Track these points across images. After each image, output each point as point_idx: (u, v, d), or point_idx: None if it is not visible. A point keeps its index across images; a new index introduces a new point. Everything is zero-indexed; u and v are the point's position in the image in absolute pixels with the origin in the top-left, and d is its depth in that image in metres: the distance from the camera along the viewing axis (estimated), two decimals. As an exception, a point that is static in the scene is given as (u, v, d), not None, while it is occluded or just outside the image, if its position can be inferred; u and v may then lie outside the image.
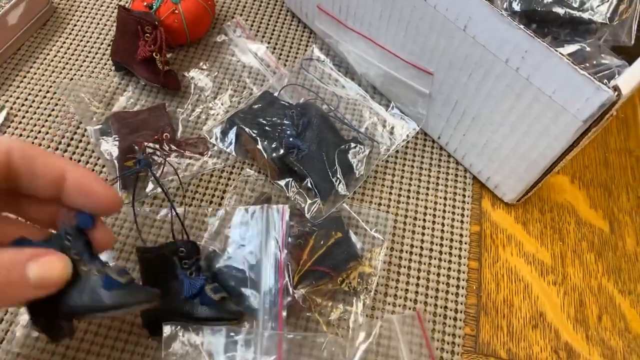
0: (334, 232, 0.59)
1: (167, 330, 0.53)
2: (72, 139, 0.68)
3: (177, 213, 0.55)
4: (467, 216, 0.65)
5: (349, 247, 0.59)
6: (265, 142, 0.64)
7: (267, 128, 0.66)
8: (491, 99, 0.57)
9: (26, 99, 0.71)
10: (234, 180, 0.66)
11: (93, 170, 0.66)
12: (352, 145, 0.65)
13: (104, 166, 0.66)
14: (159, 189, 0.63)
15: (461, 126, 0.63)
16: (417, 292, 0.59)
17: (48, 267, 0.38)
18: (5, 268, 0.36)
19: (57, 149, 0.67)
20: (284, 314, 0.53)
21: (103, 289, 0.42)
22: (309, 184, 0.61)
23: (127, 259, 0.59)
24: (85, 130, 0.68)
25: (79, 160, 0.66)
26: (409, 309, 0.58)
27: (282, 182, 0.63)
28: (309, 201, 0.61)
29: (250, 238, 0.57)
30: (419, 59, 0.62)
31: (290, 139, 0.64)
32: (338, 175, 0.63)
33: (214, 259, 0.57)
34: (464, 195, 0.66)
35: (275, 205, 0.56)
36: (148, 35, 0.67)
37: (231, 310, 0.53)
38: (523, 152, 0.58)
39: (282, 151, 0.63)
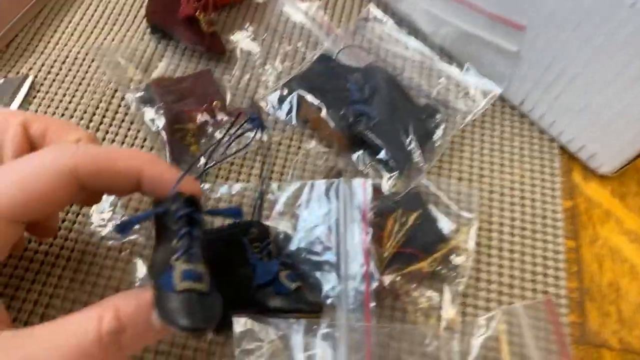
0: (415, 210, 0.52)
1: (238, 323, 0.45)
2: (107, 109, 0.60)
3: (261, 191, 0.46)
4: (558, 190, 0.57)
5: (435, 227, 0.52)
6: (331, 110, 0.56)
7: (330, 94, 0.58)
8: (601, 55, 0.49)
9: (52, 67, 0.63)
10: (294, 154, 0.58)
11: (134, 142, 0.58)
12: (428, 111, 0.58)
13: (145, 139, 0.58)
14: (214, 164, 0.56)
15: (554, 89, 0.56)
16: (512, 276, 0.52)
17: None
18: (134, 321, 0.35)
19: (90, 120, 0.59)
20: (372, 304, 0.46)
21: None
22: (384, 156, 0.54)
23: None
24: (122, 98, 0.60)
25: (117, 133, 0.59)
26: (505, 295, 0.51)
27: (354, 156, 0.55)
28: (385, 175, 0.54)
29: (325, 217, 0.50)
30: (507, 11, 0.54)
31: (358, 106, 0.56)
32: (414, 146, 0.55)
33: (283, 242, 0.50)
34: (551, 167, 0.59)
35: (356, 178, 0.49)
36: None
37: (311, 301, 0.46)
38: (636, 115, 0.50)
39: (350, 119, 0.56)
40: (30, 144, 0.43)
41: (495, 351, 0.44)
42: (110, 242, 0.52)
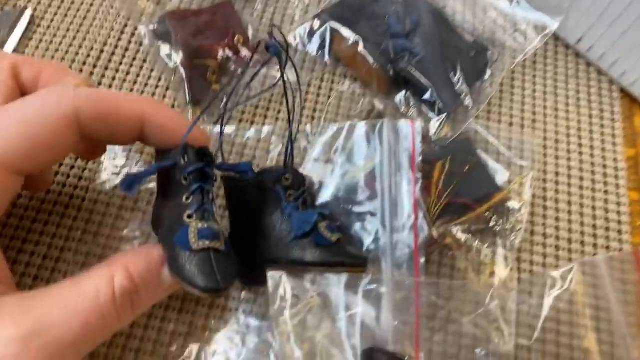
0: (465, 157, 0.47)
1: (273, 279, 0.41)
2: (116, 46, 0.54)
3: (290, 133, 0.41)
4: (619, 137, 0.52)
5: (487, 175, 0.46)
6: (370, 43, 0.50)
7: (367, 28, 0.52)
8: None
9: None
10: (325, 96, 0.52)
11: (148, 82, 0.52)
12: (477, 48, 0.52)
13: (160, 78, 0.52)
14: (237, 106, 0.50)
15: (622, 22, 0.49)
16: (570, 230, 0.47)
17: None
18: (145, 280, 0.34)
19: (98, 58, 0.53)
20: (422, 259, 0.41)
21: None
22: (430, 97, 0.48)
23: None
24: (134, 33, 0.54)
25: (128, 72, 0.53)
26: (563, 250, 0.46)
27: (395, 97, 0.49)
28: (433, 118, 0.48)
29: (367, 162, 0.44)
30: None
31: (399, 40, 0.50)
32: (463, 86, 0.49)
33: (319, 191, 0.45)
34: (612, 112, 0.53)
35: (403, 120, 0.43)
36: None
37: (354, 254, 0.41)
38: None
39: (392, 55, 0.49)
40: (20, 90, 0.38)
41: (572, 311, 0.39)
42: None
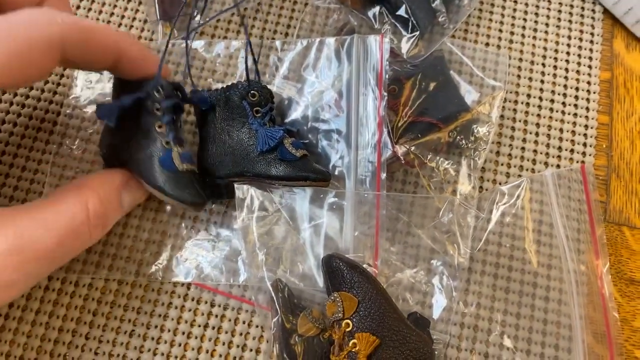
0: (436, 75, 0.46)
1: (240, 191, 0.43)
2: (86, -44, 0.52)
3: (250, 45, 0.41)
4: (596, 59, 0.51)
5: (457, 95, 0.47)
6: (345, -43, 0.48)
7: (343, -61, 0.50)
8: None
9: None
10: (300, 11, 0.51)
11: (135, 16, 0.51)
12: (457, -37, 0.50)
13: (139, 2, 0.51)
14: (209, 19, 0.49)
15: None
16: (535, 151, 0.48)
17: (139, 194, 0.41)
18: (112, 202, 0.38)
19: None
20: (383, 175, 0.43)
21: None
22: (404, 13, 0.47)
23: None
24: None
25: (99, -15, 0.51)
26: (527, 170, 0.47)
27: (369, 12, 0.48)
28: (405, 36, 0.47)
29: (336, 80, 0.44)
30: None
31: (376, -47, 0.48)
32: (438, 2, 0.48)
33: (288, 108, 0.46)
34: (591, 34, 0.52)
35: (372, 35, 0.43)
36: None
37: (318, 169, 0.42)
38: None
39: (367, -31, 0.48)
40: None
41: (515, 224, 0.41)
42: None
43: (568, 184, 0.38)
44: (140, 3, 0.51)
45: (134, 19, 0.51)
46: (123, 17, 0.51)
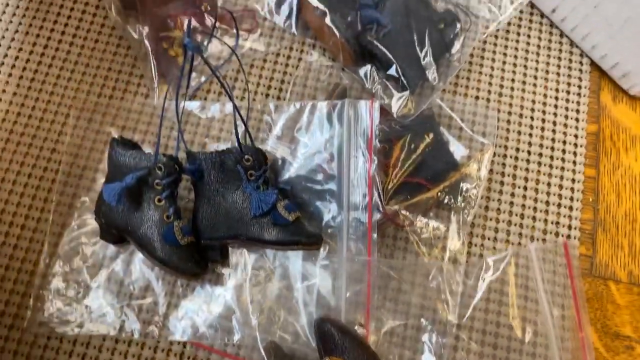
0: (426, 133, 0.48)
1: (234, 253, 0.44)
2: (83, 11, 0.53)
3: (239, 112, 0.42)
4: (584, 112, 0.52)
5: (446, 153, 0.48)
6: (337, 16, 0.49)
7: (336, -4, 0.51)
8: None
9: (16, -43, 0.55)
10: (294, 67, 0.52)
11: (115, 52, 0.52)
12: (447, 19, 0.51)
13: (129, 47, 0.52)
14: (203, 79, 0.50)
15: (594, -5, 0.48)
16: (524, 206, 0.49)
17: None
18: None
19: (66, 25, 0.53)
20: (375, 235, 0.44)
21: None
22: (395, 72, 0.48)
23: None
24: (100, 0, 0.53)
25: (96, 40, 0.52)
26: (515, 225, 0.48)
27: (361, 71, 0.49)
28: (395, 95, 0.48)
29: (328, 142, 0.45)
30: None
31: (368, 11, 0.49)
32: (429, 60, 0.49)
33: (281, 168, 0.47)
34: (579, 87, 0.53)
35: (363, 100, 0.44)
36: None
37: (310, 233, 0.43)
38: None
39: (359, 27, 0.49)
40: None
41: (501, 292, 0.42)
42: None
43: (552, 259, 0.40)
44: (136, 58, 0.52)
45: (131, 73, 0.52)
46: (120, 71, 0.52)
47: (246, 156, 0.43)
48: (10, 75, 0.51)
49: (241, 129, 0.45)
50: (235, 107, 0.41)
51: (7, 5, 0.53)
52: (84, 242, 0.46)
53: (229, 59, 0.49)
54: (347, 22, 0.49)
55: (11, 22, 0.53)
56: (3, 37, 0.52)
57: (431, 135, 0.48)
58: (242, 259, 0.44)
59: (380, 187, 0.44)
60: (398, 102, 0.48)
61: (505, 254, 0.42)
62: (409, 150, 0.46)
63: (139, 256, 0.45)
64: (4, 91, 0.51)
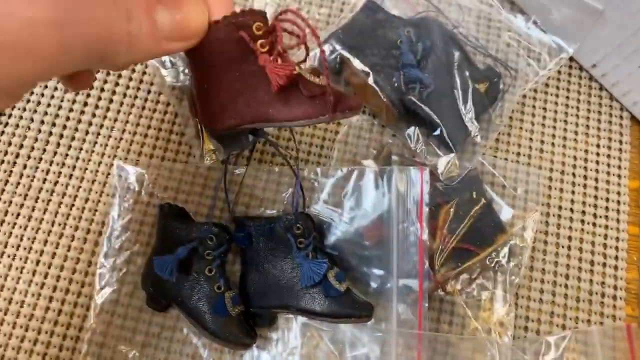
0: (474, 196, 0.47)
1: (283, 324, 0.44)
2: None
3: (299, 181, 0.42)
4: (625, 168, 0.52)
5: (493, 216, 0.48)
6: (381, 76, 0.49)
7: (378, 55, 0.50)
8: None
9: None
10: (333, 125, 0.52)
11: (155, 110, 0.52)
12: (489, 76, 0.51)
13: (168, 103, 0.52)
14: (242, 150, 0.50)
15: (637, 56, 0.48)
16: (568, 266, 0.49)
17: (185, 14, 0.31)
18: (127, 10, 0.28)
19: (102, 89, 0.53)
20: (426, 305, 0.44)
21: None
22: (440, 133, 0.48)
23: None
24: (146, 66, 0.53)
25: (135, 96, 0.52)
26: (560, 286, 0.48)
27: (405, 132, 0.49)
28: (442, 156, 0.48)
29: (376, 207, 0.45)
30: (599, -40, 0.45)
31: (410, 70, 0.49)
32: (472, 119, 0.49)
33: (328, 231, 0.46)
34: (620, 142, 0.53)
35: (412, 167, 0.44)
36: (261, 36, 0.35)
37: (361, 305, 0.43)
38: None
39: (403, 88, 0.49)
40: None
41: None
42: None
43: (613, 339, 0.39)
44: (176, 115, 0.52)
45: (171, 131, 0.52)
46: (160, 130, 0.52)
47: (297, 224, 0.42)
48: (50, 133, 0.51)
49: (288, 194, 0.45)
50: (296, 174, 0.41)
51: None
52: (129, 307, 0.45)
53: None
54: (390, 83, 0.49)
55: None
56: (43, 94, 0.52)
57: (482, 200, 0.47)
58: (291, 323, 0.44)
59: (429, 253, 0.44)
60: (444, 164, 0.48)
61: (565, 334, 0.42)
62: (457, 215, 0.46)
63: (185, 322, 0.45)
64: (44, 150, 0.51)
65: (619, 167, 0.52)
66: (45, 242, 0.48)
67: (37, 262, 0.47)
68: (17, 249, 0.47)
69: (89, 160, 0.50)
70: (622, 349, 0.39)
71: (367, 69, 0.49)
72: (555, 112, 0.54)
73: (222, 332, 0.41)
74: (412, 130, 0.49)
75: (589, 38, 0.51)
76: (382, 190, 0.45)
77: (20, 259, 0.47)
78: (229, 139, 0.42)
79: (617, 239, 0.50)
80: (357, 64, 0.49)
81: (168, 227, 0.43)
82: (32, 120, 0.51)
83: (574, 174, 0.52)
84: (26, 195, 0.49)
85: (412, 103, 0.48)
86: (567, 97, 0.54)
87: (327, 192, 0.46)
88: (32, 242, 0.48)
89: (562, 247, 0.49)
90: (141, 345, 0.44)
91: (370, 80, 0.49)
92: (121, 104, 0.52)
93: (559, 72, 0.55)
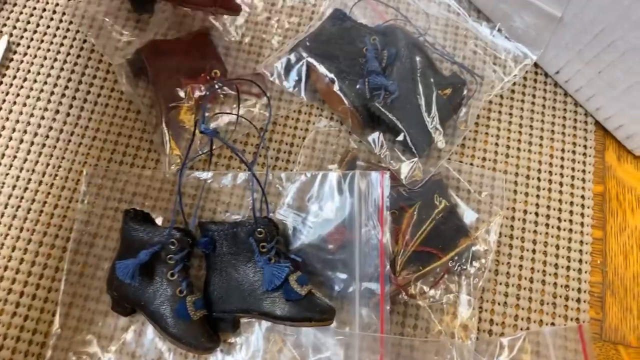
0: (437, 200, 0.48)
1: (246, 328, 0.44)
2: (94, 76, 0.54)
3: (260, 184, 0.43)
4: (589, 172, 0.53)
5: (457, 219, 0.48)
6: (346, 83, 0.50)
7: (344, 62, 0.51)
8: (663, 30, 0.42)
9: (28, 22, 0.56)
10: (303, 130, 0.53)
11: (126, 116, 0.53)
12: (453, 83, 0.51)
13: (138, 112, 0.53)
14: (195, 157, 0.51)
15: (600, 61, 0.49)
16: (532, 269, 0.49)
17: None
18: None
19: (77, 90, 0.53)
20: (387, 307, 0.44)
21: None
22: (404, 138, 0.49)
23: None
24: (110, 65, 0.54)
25: (106, 105, 0.53)
26: (525, 289, 0.48)
27: (369, 137, 0.50)
28: (404, 161, 0.49)
29: (339, 212, 0.46)
30: (555, -31, 0.46)
31: (375, 77, 0.50)
32: (436, 125, 0.50)
33: (293, 236, 0.47)
34: (584, 147, 0.54)
35: (374, 172, 0.44)
36: None
37: (322, 308, 0.43)
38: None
39: (367, 95, 0.50)
40: None
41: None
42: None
43: (565, 340, 0.40)
44: (146, 123, 0.52)
45: (141, 139, 0.52)
46: (130, 136, 0.52)
47: (259, 229, 0.43)
48: (22, 141, 0.52)
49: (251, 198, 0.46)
50: (257, 179, 0.41)
51: (18, 70, 0.54)
52: (95, 312, 0.46)
53: (237, 125, 0.50)
54: (355, 90, 0.50)
55: (22, 87, 0.53)
56: (15, 102, 0.53)
57: (443, 203, 0.48)
58: (254, 327, 0.44)
59: (392, 257, 0.45)
60: (407, 169, 0.49)
61: (519, 335, 0.42)
62: (420, 218, 0.46)
63: (150, 327, 0.45)
64: (15, 157, 0.51)
65: (584, 172, 0.53)
66: (14, 248, 0.48)
67: (5, 268, 0.48)
68: (-14, 255, 0.48)
69: (59, 166, 0.51)
70: (575, 349, 0.40)
71: (332, 76, 0.50)
72: (521, 117, 0.55)
73: (184, 336, 0.41)
74: (377, 136, 0.50)
75: (552, 45, 0.52)
76: (344, 195, 0.46)
77: (-11, 265, 0.48)
78: None
79: (582, 242, 0.50)
80: (323, 70, 0.50)
81: (132, 232, 0.43)
82: (3, 127, 0.52)
83: (539, 179, 0.52)
84: (-4, 201, 0.50)
85: (377, 109, 0.49)
86: (533, 103, 0.55)
87: (291, 196, 0.47)
88: (0, 248, 0.48)
89: (527, 250, 0.50)
90: (106, 350, 0.45)
91: (336, 87, 0.50)
92: (92, 112, 0.53)
93: (525, 78, 0.56)
